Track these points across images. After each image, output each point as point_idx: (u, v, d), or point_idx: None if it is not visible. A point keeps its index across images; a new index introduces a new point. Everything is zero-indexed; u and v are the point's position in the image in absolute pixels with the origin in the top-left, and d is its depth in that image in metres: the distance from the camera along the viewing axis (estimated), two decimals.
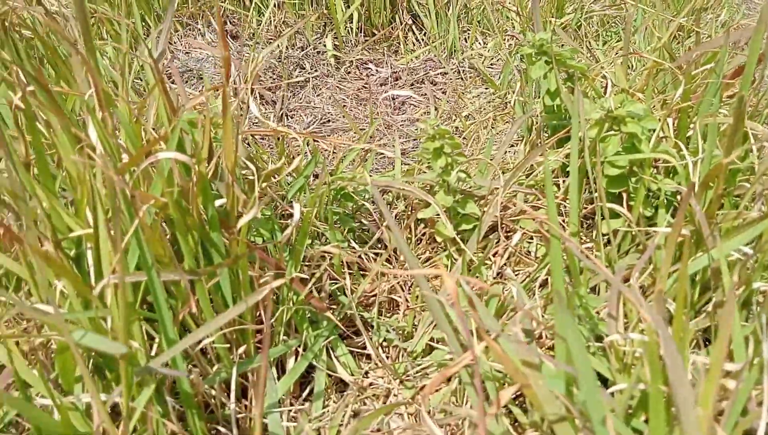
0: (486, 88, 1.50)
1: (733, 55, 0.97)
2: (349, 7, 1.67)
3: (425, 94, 1.51)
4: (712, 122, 0.78)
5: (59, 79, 0.98)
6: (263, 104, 1.41)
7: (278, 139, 1.01)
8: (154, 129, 0.72)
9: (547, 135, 1.06)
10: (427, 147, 0.82)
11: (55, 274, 0.61)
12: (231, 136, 0.62)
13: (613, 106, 0.78)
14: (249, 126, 1.22)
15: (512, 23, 1.66)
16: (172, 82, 1.29)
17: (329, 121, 1.41)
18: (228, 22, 1.66)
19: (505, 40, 1.61)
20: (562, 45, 1.28)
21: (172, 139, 0.60)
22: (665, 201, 0.80)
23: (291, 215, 0.95)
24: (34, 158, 0.72)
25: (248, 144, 0.99)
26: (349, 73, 1.61)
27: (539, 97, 1.02)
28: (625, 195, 0.82)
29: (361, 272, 0.87)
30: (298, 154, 1.13)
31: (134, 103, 0.81)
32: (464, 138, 1.24)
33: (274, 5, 1.59)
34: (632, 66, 1.22)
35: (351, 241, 0.89)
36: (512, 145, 1.13)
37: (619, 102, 0.78)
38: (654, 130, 0.80)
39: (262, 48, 1.55)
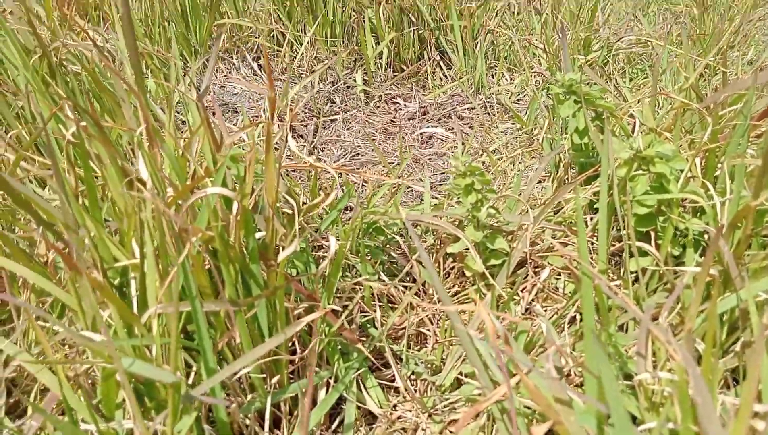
0: (513, 124, 1.52)
1: (761, 96, 0.98)
2: (379, 43, 1.72)
3: (452, 129, 1.54)
4: (739, 163, 0.79)
5: (104, 112, 1.03)
6: (295, 137, 1.45)
7: (311, 172, 1.04)
8: (199, 163, 0.76)
9: (574, 171, 1.08)
10: (458, 183, 0.84)
11: (103, 302, 0.64)
12: (273, 173, 0.65)
13: (641, 146, 0.79)
14: (285, 160, 1.26)
15: (539, 60, 1.69)
16: (213, 114, 1.34)
17: (359, 154, 1.44)
18: (262, 57, 1.72)
19: (531, 76, 1.64)
20: (590, 84, 1.31)
21: (218, 175, 0.63)
22: (693, 240, 0.81)
23: (322, 246, 0.97)
24: (84, 189, 0.76)
25: (282, 176, 1.03)
26: (378, 107, 1.64)
27: (566, 134, 1.03)
28: (653, 233, 0.84)
29: (390, 305, 0.89)
30: (330, 186, 1.16)
31: (179, 137, 0.85)
32: (492, 173, 1.26)
33: (308, 42, 1.63)
34: (659, 105, 1.24)
35: (381, 273, 0.91)
36: (539, 181, 1.15)
37: (648, 142, 0.80)
38: (682, 171, 0.81)
39: (295, 82, 1.60)
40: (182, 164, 0.70)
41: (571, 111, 0.93)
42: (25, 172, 0.89)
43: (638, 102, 1.10)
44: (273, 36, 1.70)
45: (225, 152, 0.75)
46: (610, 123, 0.97)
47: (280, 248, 0.70)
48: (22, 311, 0.72)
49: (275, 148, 0.68)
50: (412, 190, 1.31)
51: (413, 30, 1.73)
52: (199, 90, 1.37)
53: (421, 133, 1.54)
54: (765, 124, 0.95)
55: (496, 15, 1.79)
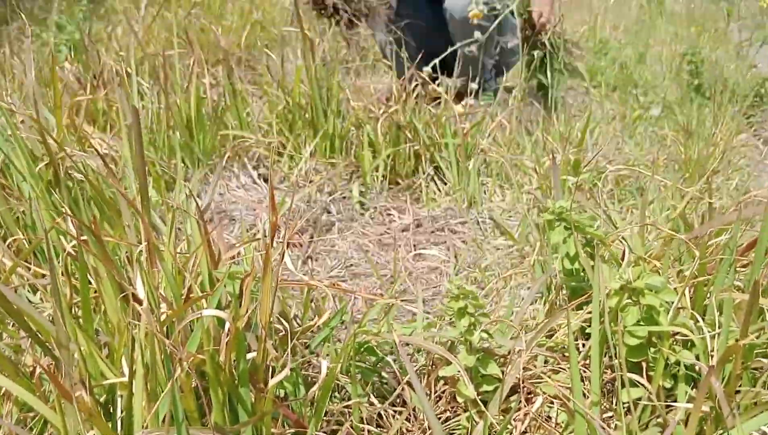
0: (505, 240, 1.55)
1: (746, 229, 1.02)
2: (376, 157, 1.78)
3: (445, 242, 1.57)
4: (727, 298, 0.80)
5: (104, 220, 1.04)
6: (291, 246, 1.47)
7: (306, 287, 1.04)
8: (195, 277, 0.77)
9: (566, 293, 1.09)
10: (451, 306, 0.85)
11: (87, 422, 0.62)
12: (268, 296, 0.66)
13: (631, 277, 0.81)
14: (281, 277, 1.27)
15: (530, 179, 1.75)
16: (210, 220, 1.36)
17: (352, 265, 1.45)
18: (262, 165, 1.77)
19: (522, 194, 1.69)
20: (580, 205, 1.35)
21: (213, 297, 0.64)
22: (684, 374, 0.81)
23: (311, 362, 0.96)
24: (78, 302, 0.76)
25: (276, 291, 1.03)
26: (373, 218, 1.68)
27: (557, 255, 1.05)
28: (644, 364, 0.83)
29: (380, 428, 0.87)
30: (323, 299, 1.16)
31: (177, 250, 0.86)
32: (484, 292, 1.27)
33: (308, 154, 1.69)
34: (648, 229, 1.27)
35: (371, 395, 0.89)
36: (531, 303, 1.16)
37: (637, 273, 0.82)
38: (672, 303, 0.82)
39: (293, 192, 1.64)
40: (179, 282, 0.71)
41: (562, 237, 0.96)
42: (21, 278, 0.89)
43: (628, 227, 1.13)
44: (274, 146, 1.76)
45: (222, 268, 0.76)
46: (600, 249, 1.00)
47: (271, 368, 0.70)
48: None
49: (274, 267, 0.69)
50: (405, 299, 1.32)
51: (409, 146, 1.80)
52: (200, 196, 1.40)
53: (413, 244, 1.56)
54: (752, 253, 0.98)
55: (489, 135, 1.87)
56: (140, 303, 0.67)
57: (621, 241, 1.06)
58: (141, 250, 0.68)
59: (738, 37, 4.36)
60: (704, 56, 3.05)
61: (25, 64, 1.82)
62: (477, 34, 2.26)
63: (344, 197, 1.71)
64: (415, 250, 1.54)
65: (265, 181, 1.69)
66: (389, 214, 1.70)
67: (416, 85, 1.89)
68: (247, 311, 0.71)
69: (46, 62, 2.53)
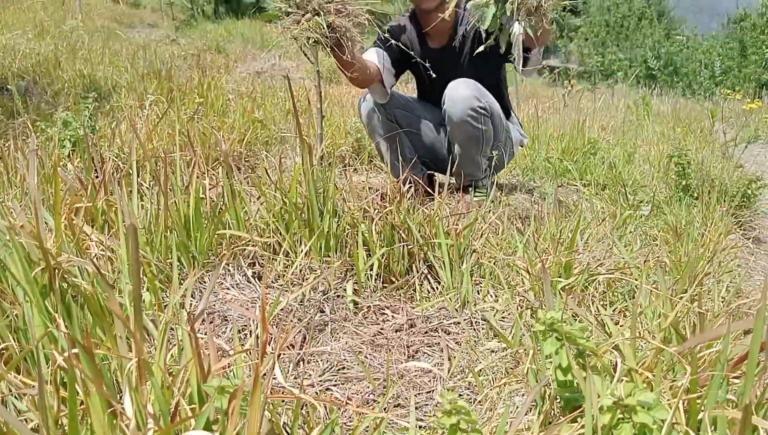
0: (499, 342, 1.54)
1: (737, 341, 1.02)
2: (370, 255, 1.79)
3: (439, 344, 1.56)
4: (720, 415, 0.80)
5: (96, 326, 1.04)
6: (282, 348, 1.46)
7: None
8: (183, 392, 0.76)
9: (560, 404, 1.08)
10: (443, 422, 0.84)
11: None
12: (257, 413, 0.65)
13: (623, 393, 0.81)
14: (272, 387, 1.26)
15: (522, 280, 1.76)
16: (202, 321, 1.35)
17: (345, 368, 1.44)
18: (257, 263, 1.78)
19: (515, 295, 1.69)
20: (571, 311, 1.35)
21: (201, 418, 0.63)
22: None
23: None
24: (65, 414, 0.75)
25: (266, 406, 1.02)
26: (366, 318, 1.67)
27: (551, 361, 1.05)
28: None
29: None
30: (313, 406, 1.14)
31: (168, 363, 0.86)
32: (478, 399, 1.25)
33: (303, 253, 1.71)
34: (641, 335, 1.27)
35: None
36: (525, 413, 1.14)
37: (630, 389, 0.81)
38: (665, 420, 0.81)
39: (287, 290, 1.64)
40: (167, 397, 0.70)
41: (554, 348, 0.96)
42: (9, 386, 0.88)
43: (619, 334, 1.13)
44: (270, 244, 1.78)
45: (212, 381, 0.75)
46: (593, 360, 0.99)
47: None
48: None
49: (263, 379, 0.69)
50: (398, 404, 1.29)
51: (403, 245, 1.82)
52: (194, 296, 1.40)
53: (406, 345, 1.55)
54: (744, 366, 0.98)
55: (481, 235, 1.90)
56: (128, 420, 0.66)
57: (613, 351, 1.06)
58: (131, 366, 0.68)
59: (723, 137, 4.52)
60: (691, 157, 3.15)
61: (28, 159, 1.87)
62: (473, 132, 2.35)
63: (338, 296, 1.72)
64: (408, 351, 1.53)
65: (260, 279, 1.70)
66: (383, 314, 1.70)
67: (410, 187, 1.94)
68: (235, 428, 0.70)
69: (50, 156, 2.60)
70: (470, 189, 2.65)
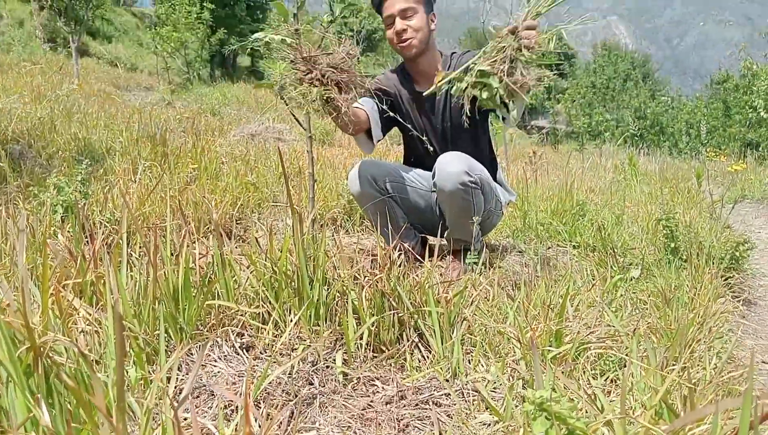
0: (490, 414, 1.52)
1: (728, 416, 1.01)
2: (360, 324, 1.78)
3: (429, 417, 1.53)
4: None
5: (79, 408, 1.03)
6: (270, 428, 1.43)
7: None
8: None
9: None
10: None
11: None
12: None
13: None
14: None
15: (513, 348, 1.75)
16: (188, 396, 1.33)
17: None
18: (246, 333, 1.77)
19: (506, 365, 1.68)
20: (562, 383, 1.34)
21: None
22: None
23: None
24: None
25: None
26: (356, 389, 1.65)
27: None
28: None
29: None
30: None
31: None
32: None
33: (294, 323, 1.70)
34: (632, 410, 1.26)
35: None
36: None
37: None
38: None
39: (275, 362, 1.62)
40: None
41: (544, 428, 0.95)
42: None
43: (611, 411, 1.12)
44: (259, 314, 1.77)
45: None
46: None
47: None
48: None
49: None
50: None
51: (393, 313, 1.82)
52: (180, 369, 1.38)
53: (397, 419, 1.53)
54: None
55: (472, 303, 1.90)
56: None
57: (604, 429, 1.05)
58: None
59: (710, 197, 4.58)
60: (679, 220, 3.18)
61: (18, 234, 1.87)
62: (464, 204, 2.38)
63: (327, 367, 1.70)
64: (399, 425, 1.50)
65: (248, 350, 1.69)
66: (373, 385, 1.67)
67: (401, 254, 1.95)
68: None
69: (42, 222, 2.60)
70: (461, 252, 2.66)
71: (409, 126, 2.51)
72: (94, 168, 4.11)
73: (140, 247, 1.88)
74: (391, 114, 2.38)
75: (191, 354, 1.60)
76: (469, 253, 2.60)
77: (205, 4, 20.49)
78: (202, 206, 2.86)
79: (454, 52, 2.59)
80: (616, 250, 3.06)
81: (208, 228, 2.69)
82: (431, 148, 2.48)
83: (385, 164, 2.67)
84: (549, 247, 3.54)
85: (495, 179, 2.74)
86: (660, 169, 7.80)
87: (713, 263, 2.90)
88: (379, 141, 2.58)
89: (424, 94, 2.29)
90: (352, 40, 2.13)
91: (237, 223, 3.55)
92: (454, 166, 2.33)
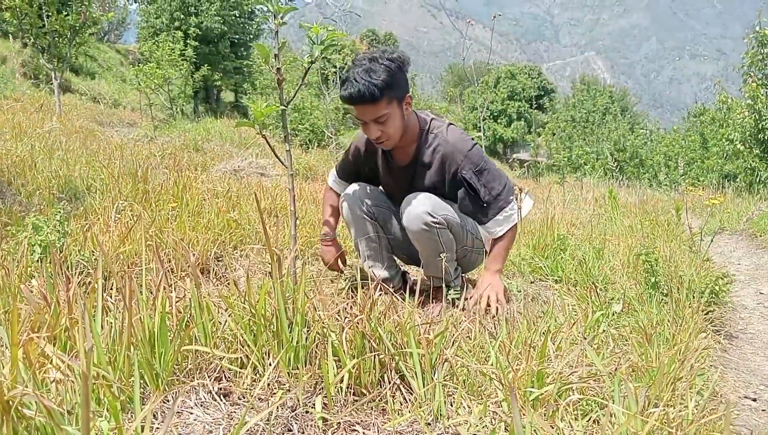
0: None
1: None
2: (340, 366, 1.76)
3: None
4: None
5: None
6: None
7: None
8: None
9: None
10: None
11: None
12: None
13: None
14: None
15: (495, 390, 1.74)
16: None
17: None
18: (224, 378, 1.74)
19: (488, 407, 1.66)
20: (543, 429, 1.33)
21: None
22: None
23: None
24: None
25: None
26: None
27: None
28: None
29: None
30: None
31: None
32: None
33: (273, 367, 1.67)
34: None
35: None
36: None
37: None
38: None
39: (252, 407, 1.59)
40: None
41: None
42: None
43: None
44: (237, 358, 1.75)
45: None
46: None
47: None
48: None
49: None
50: None
51: (374, 355, 1.80)
52: (156, 417, 1.35)
53: None
54: None
55: (453, 343, 1.89)
56: None
57: None
58: None
59: (689, 230, 4.62)
60: (658, 255, 3.21)
61: None
62: (431, 244, 2.40)
63: (307, 412, 1.67)
64: None
65: (225, 396, 1.65)
66: (354, 431, 1.64)
67: (381, 294, 1.94)
68: None
69: (18, 262, 2.56)
70: (443, 289, 2.66)
71: (382, 182, 2.65)
72: (74, 206, 4.08)
73: (117, 291, 1.85)
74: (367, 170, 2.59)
75: (168, 401, 1.56)
76: (450, 289, 2.59)
77: (188, 42, 20.69)
78: (180, 246, 2.84)
79: (434, 118, 2.52)
80: (597, 285, 3.07)
81: (186, 268, 2.66)
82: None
83: (375, 190, 2.71)
84: (532, 282, 3.55)
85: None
86: (640, 201, 7.89)
87: (694, 297, 2.91)
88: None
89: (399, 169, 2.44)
90: (334, 76, 2.18)
91: (218, 261, 3.52)
92: (416, 207, 2.38)
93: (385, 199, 2.69)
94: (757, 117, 11.42)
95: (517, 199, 2.43)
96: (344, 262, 2.89)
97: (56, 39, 10.01)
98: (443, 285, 2.50)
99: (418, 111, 2.53)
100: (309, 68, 2.15)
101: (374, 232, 2.64)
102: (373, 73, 2.20)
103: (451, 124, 2.53)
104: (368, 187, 2.66)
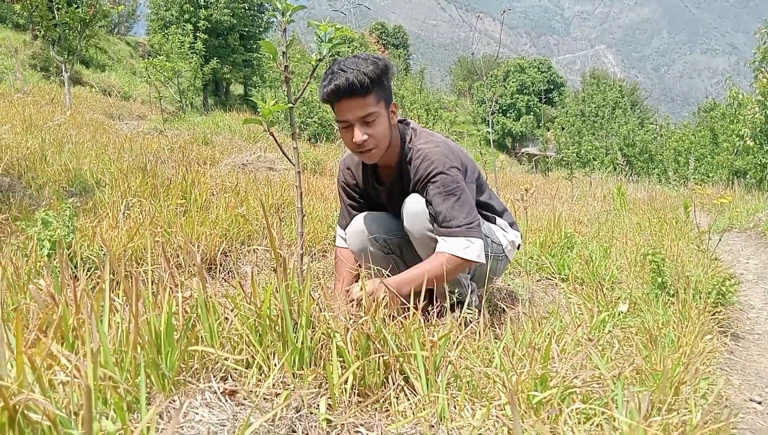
0: None
1: None
2: (345, 367, 1.77)
3: None
4: None
5: None
6: None
7: None
8: None
9: None
10: None
11: None
12: None
13: None
14: None
15: (498, 392, 1.74)
16: None
17: None
18: (230, 377, 1.75)
19: (491, 410, 1.67)
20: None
21: None
22: None
23: None
24: None
25: None
26: None
27: None
28: None
29: None
30: None
31: None
32: None
33: (276, 367, 1.68)
34: None
35: None
36: None
37: None
38: None
39: (258, 408, 1.61)
40: None
41: None
42: None
43: None
44: (243, 359, 1.76)
45: None
46: None
47: None
48: None
49: None
50: None
51: (379, 356, 1.81)
52: (162, 417, 1.36)
53: None
54: None
55: (458, 346, 1.89)
56: None
57: None
58: None
59: (697, 228, 4.60)
60: (666, 254, 3.20)
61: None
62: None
63: (311, 413, 1.68)
64: None
65: (231, 395, 1.67)
66: (357, 432, 1.66)
67: (385, 296, 1.94)
68: None
69: (28, 257, 2.59)
70: (456, 306, 2.43)
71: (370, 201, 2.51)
72: (84, 200, 4.11)
73: (124, 292, 1.87)
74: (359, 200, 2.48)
75: (174, 401, 1.58)
76: (462, 305, 2.29)
77: (198, 34, 20.72)
78: (190, 240, 2.85)
79: (414, 129, 2.30)
80: (603, 284, 3.07)
81: (193, 266, 2.68)
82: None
83: (384, 218, 2.46)
84: (538, 280, 3.55)
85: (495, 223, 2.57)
86: (649, 197, 7.85)
87: (700, 298, 2.90)
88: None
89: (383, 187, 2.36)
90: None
91: (226, 256, 3.54)
92: (417, 205, 2.19)
93: (392, 220, 2.46)
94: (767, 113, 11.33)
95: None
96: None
97: (66, 31, 10.06)
98: (457, 301, 2.28)
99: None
100: (317, 66, 2.15)
101: (391, 263, 2.43)
102: (362, 63, 2.02)
103: (445, 140, 2.29)
104: (371, 215, 2.44)
